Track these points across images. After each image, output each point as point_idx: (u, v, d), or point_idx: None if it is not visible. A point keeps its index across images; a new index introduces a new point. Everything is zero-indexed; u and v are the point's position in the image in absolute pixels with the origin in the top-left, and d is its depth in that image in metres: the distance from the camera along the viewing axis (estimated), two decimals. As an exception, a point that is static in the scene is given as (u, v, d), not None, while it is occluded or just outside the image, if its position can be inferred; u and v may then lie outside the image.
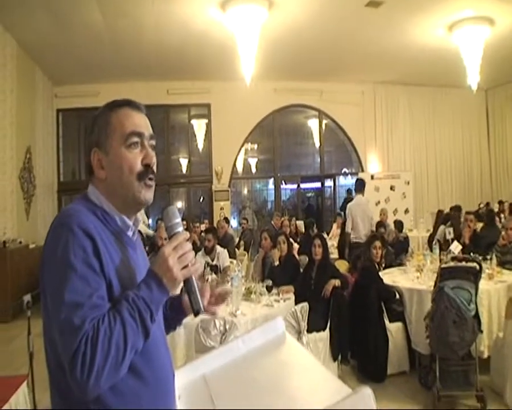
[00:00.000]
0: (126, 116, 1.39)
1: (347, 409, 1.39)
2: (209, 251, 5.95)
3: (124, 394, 1.25)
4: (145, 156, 1.38)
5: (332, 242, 8.92)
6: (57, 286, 1.17)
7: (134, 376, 1.26)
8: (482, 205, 12.73)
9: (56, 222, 1.27)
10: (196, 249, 6.80)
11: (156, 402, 1.33)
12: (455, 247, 5.77)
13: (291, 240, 6.73)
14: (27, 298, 3.42)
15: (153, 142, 1.43)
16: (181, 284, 1.31)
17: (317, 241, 5.22)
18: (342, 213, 11.03)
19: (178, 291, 1.48)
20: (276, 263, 5.35)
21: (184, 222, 9.32)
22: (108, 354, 1.11)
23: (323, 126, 14.14)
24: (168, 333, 1.62)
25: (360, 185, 8.33)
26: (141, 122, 1.40)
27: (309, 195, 18.21)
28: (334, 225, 10.84)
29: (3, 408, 2.94)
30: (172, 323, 1.65)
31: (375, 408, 1.41)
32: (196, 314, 1.36)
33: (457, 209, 9.33)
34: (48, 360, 1.29)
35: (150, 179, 1.38)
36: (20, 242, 8.82)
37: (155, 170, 1.41)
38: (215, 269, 5.59)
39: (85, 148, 1.45)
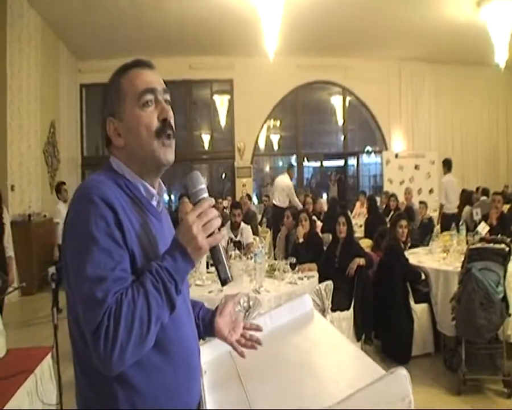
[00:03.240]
0: (135, 76, 1.33)
1: (382, 390, 1.35)
2: (237, 227, 5.92)
3: (147, 369, 1.22)
4: (160, 112, 1.32)
5: (355, 220, 8.84)
6: (79, 259, 1.14)
7: (157, 351, 1.23)
8: (509, 187, 12.50)
9: (77, 194, 1.23)
10: (219, 225, 6.78)
11: (180, 378, 1.30)
12: (483, 229, 5.65)
13: (314, 217, 6.67)
14: (52, 270, 3.41)
15: (168, 96, 1.37)
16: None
17: (342, 219, 5.14)
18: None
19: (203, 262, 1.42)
20: (301, 240, 5.29)
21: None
22: (132, 328, 1.08)
23: (347, 103, 13.98)
24: None
25: (448, 164, 9.20)
26: (152, 78, 1.34)
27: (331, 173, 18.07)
28: (358, 204, 10.74)
29: (28, 378, 2.97)
30: (200, 334, 1.59)
31: (410, 389, 1.37)
32: (224, 283, 1.30)
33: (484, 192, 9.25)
34: (72, 335, 1.26)
35: (168, 135, 1.32)
36: (45, 216, 8.92)
37: (173, 125, 1.35)
38: (238, 245, 5.56)
39: (101, 122, 1.40)
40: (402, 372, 1.36)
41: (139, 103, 1.30)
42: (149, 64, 1.38)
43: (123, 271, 1.15)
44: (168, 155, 1.32)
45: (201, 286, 4.19)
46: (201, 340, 1.62)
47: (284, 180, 9.64)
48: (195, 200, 1.26)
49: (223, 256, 1.28)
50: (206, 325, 1.58)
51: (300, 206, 8.79)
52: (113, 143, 1.35)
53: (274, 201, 9.59)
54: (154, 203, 1.38)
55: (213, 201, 1.25)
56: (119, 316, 1.08)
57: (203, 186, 1.29)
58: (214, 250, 1.26)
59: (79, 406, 1.29)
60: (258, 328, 1.59)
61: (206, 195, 1.27)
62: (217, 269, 1.29)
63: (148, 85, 1.32)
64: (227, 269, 1.29)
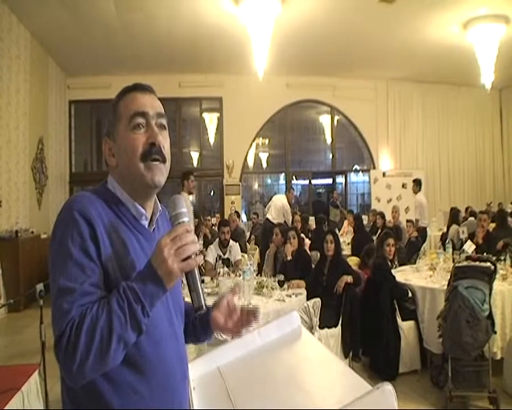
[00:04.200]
0: (131, 100, 1.36)
1: (368, 406, 1.37)
2: (226, 244, 5.92)
3: (123, 389, 1.23)
4: (149, 136, 1.33)
5: (343, 239, 8.88)
6: (54, 271, 1.18)
7: (133, 370, 1.24)
8: (491, 204, 12.62)
9: (61, 208, 1.26)
10: (207, 241, 6.80)
11: (157, 400, 1.29)
12: (469, 247, 5.71)
13: (302, 235, 6.70)
14: (40, 287, 3.41)
15: (162, 121, 1.38)
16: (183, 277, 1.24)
17: (330, 237, 5.17)
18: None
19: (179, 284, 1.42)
20: (289, 258, 5.32)
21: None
22: (92, 342, 1.09)
23: (335, 122, 14.11)
24: (197, 343, 1.58)
25: (420, 184, 10.11)
26: (145, 102, 1.36)
27: (319, 190, 18.14)
28: (346, 222, 10.79)
29: (15, 396, 2.94)
30: (199, 335, 1.61)
31: (396, 405, 1.39)
32: (196, 311, 1.27)
33: (472, 214, 9.39)
34: None
35: (155, 158, 1.32)
36: (32, 232, 8.88)
37: (164, 149, 1.35)
38: (227, 262, 5.58)
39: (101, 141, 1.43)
40: (388, 387, 1.38)
41: (129, 126, 1.33)
42: (147, 88, 1.40)
43: (92, 286, 1.17)
44: (155, 177, 1.33)
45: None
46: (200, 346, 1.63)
47: (281, 200, 9.73)
48: (174, 223, 1.26)
49: (199, 284, 1.26)
50: (204, 322, 1.58)
51: None
52: (108, 163, 1.39)
53: (268, 216, 9.64)
54: (144, 222, 1.39)
55: (190, 226, 1.23)
56: (81, 329, 1.09)
57: (184, 210, 1.28)
58: (189, 277, 1.24)
59: None
60: (256, 310, 1.57)
61: (185, 219, 1.26)
62: (190, 295, 1.26)
63: (140, 108, 1.34)
64: (202, 298, 1.26)
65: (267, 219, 9.59)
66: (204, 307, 1.27)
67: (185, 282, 1.26)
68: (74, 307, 1.12)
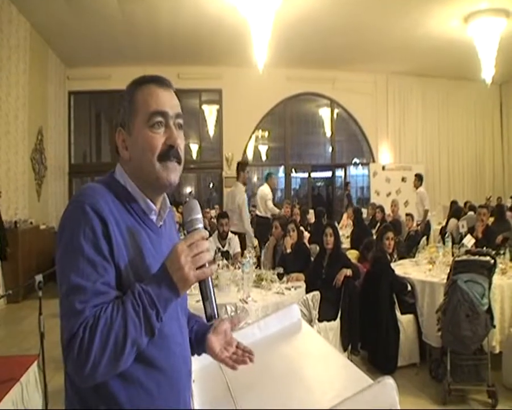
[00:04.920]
0: (150, 94, 1.31)
1: (370, 400, 1.37)
2: (225, 237, 5.91)
3: (128, 380, 1.21)
4: (168, 137, 1.30)
5: (343, 232, 8.87)
6: (64, 267, 1.15)
7: (140, 363, 1.22)
8: (491, 199, 12.62)
9: (71, 200, 1.23)
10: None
11: (163, 396, 1.28)
12: (469, 241, 5.72)
13: (302, 228, 6.69)
14: (39, 278, 3.39)
15: (180, 121, 1.35)
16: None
17: (329, 230, 5.16)
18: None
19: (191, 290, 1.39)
20: (288, 250, 5.31)
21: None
22: (106, 345, 1.08)
23: (335, 115, 14.08)
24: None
25: (421, 178, 10.36)
26: (166, 100, 1.32)
27: (319, 184, 18.13)
28: (345, 215, 10.78)
29: (13, 387, 2.95)
30: (191, 349, 1.56)
31: (397, 398, 1.39)
32: (208, 319, 1.27)
33: (471, 208, 9.42)
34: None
35: (173, 160, 1.30)
36: (31, 223, 8.87)
37: (181, 151, 1.33)
38: (226, 254, 5.57)
39: (112, 127, 1.39)
40: (389, 381, 1.38)
41: (148, 123, 1.29)
42: (167, 84, 1.36)
43: (105, 285, 1.15)
44: (171, 176, 1.30)
45: (189, 294, 4.18)
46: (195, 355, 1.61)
47: (263, 190, 9.64)
48: (188, 230, 1.24)
49: (212, 292, 1.24)
50: (199, 340, 1.56)
51: (276, 211, 8.86)
52: (120, 155, 1.35)
53: (257, 212, 9.61)
54: (153, 217, 1.36)
55: (206, 233, 1.22)
56: (95, 331, 1.07)
57: (199, 216, 1.26)
58: (202, 285, 1.23)
59: None
60: (251, 353, 1.54)
61: (200, 226, 1.24)
62: (203, 303, 1.25)
63: (160, 107, 1.30)
64: (215, 307, 1.25)
65: (257, 215, 9.52)
66: (216, 316, 1.26)
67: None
68: (87, 307, 1.10)
